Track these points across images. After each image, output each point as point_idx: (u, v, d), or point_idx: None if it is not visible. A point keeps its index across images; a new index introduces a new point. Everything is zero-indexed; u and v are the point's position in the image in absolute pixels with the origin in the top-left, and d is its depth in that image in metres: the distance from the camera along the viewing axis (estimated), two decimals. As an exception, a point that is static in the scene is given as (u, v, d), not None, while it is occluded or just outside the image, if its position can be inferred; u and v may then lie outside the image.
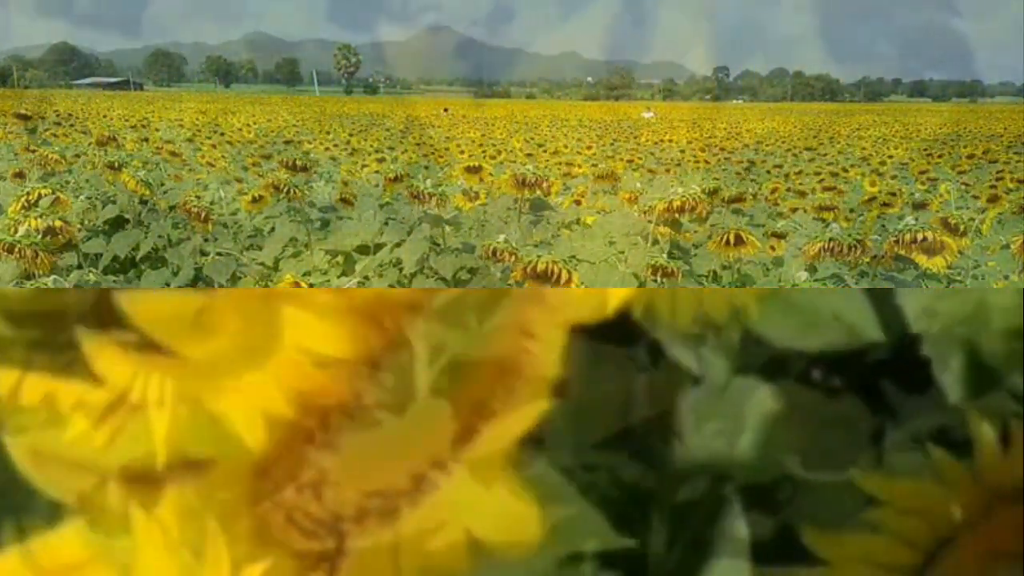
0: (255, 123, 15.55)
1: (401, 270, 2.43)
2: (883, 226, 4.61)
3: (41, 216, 1.92)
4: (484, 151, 9.63)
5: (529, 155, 8.71)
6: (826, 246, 1.73)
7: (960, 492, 0.66)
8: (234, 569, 0.67)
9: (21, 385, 0.74)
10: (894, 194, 5.61)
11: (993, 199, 5.10)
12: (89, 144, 4.55)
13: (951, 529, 0.66)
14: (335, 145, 10.11)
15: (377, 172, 5.98)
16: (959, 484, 0.66)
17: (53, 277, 1.62)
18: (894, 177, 7.85)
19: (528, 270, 1.49)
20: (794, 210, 4.66)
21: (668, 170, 8.43)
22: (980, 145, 12.27)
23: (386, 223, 2.68)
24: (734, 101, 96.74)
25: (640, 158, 9.39)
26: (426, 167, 7.61)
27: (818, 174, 7.30)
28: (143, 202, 2.83)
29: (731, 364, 0.90)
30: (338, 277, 2.53)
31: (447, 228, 2.33)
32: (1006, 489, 0.66)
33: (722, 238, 2.03)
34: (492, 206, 3.37)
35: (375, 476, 0.77)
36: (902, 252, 1.75)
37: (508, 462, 0.77)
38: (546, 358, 0.78)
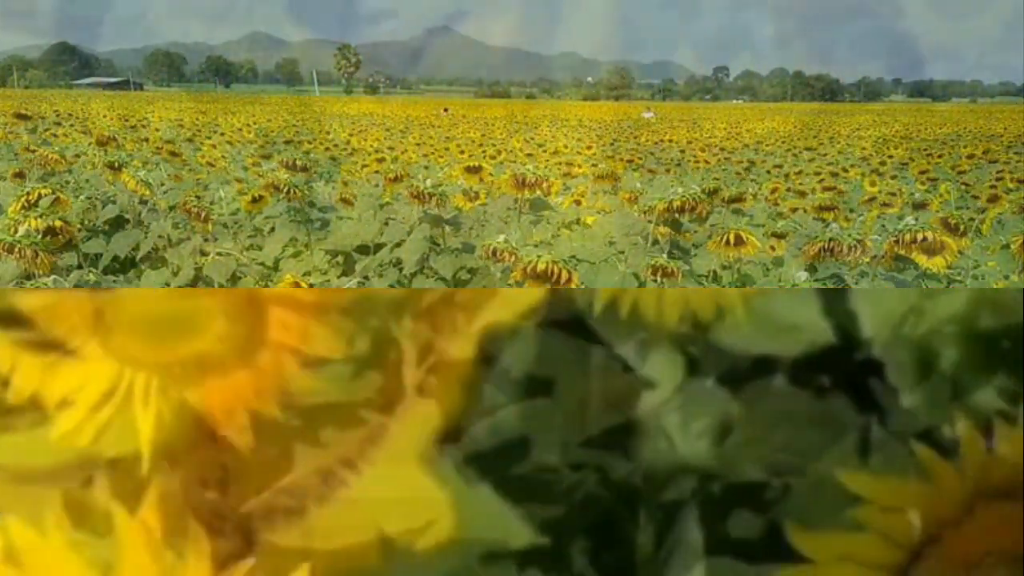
0: (255, 123, 15.55)
1: (401, 270, 2.43)
2: (883, 226, 4.61)
3: (41, 216, 1.92)
4: (484, 151, 9.63)
5: (529, 155, 8.70)
6: (826, 246, 1.74)
7: (944, 490, 0.66)
8: (217, 568, 0.67)
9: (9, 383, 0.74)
10: (894, 194, 5.62)
11: (993, 199, 5.10)
12: (89, 144, 4.55)
13: (936, 527, 0.67)
14: (335, 145, 10.11)
15: (377, 172, 5.98)
16: (943, 482, 0.66)
17: (53, 277, 1.62)
18: (894, 177, 7.85)
19: (528, 270, 1.49)
20: (794, 210, 4.66)
21: (668, 170, 8.43)
22: (980, 145, 12.26)
23: (386, 223, 2.68)
24: (734, 101, 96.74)
25: (640, 158, 9.39)
26: (426, 167, 7.61)
27: (818, 174, 7.30)
28: (143, 202, 2.83)
29: (685, 368, 0.90)
30: (338, 277, 2.53)
31: (447, 228, 2.33)
32: (990, 487, 0.66)
33: (722, 238, 2.03)
34: (492, 206, 3.37)
35: (283, 474, 0.77)
36: (902, 252, 1.75)
37: (421, 459, 0.78)
38: (459, 357, 0.79)
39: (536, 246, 2.25)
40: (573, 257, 2.08)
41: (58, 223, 1.92)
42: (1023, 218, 4.83)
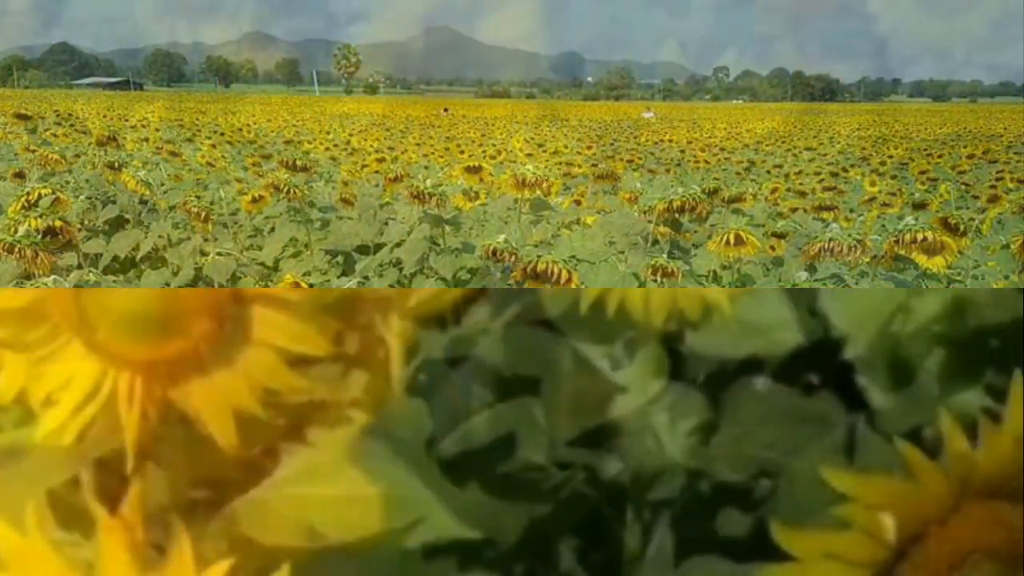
0: (255, 123, 15.55)
1: (401, 270, 2.43)
2: (883, 226, 4.61)
3: (41, 216, 1.92)
4: (484, 151, 9.63)
5: (529, 155, 8.70)
6: (826, 246, 1.74)
7: (929, 488, 0.66)
8: (199, 567, 0.67)
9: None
10: (894, 194, 5.62)
11: (993, 199, 5.09)
12: (89, 144, 4.55)
13: (920, 525, 0.67)
14: (335, 145, 10.11)
15: (377, 172, 5.98)
16: (928, 480, 0.66)
17: (53, 277, 1.62)
18: (894, 177, 7.85)
19: (528, 270, 1.49)
20: (794, 210, 4.66)
21: (668, 170, 8.43)
22: (980, 145, 12.26)
23: (386, 223, 2.68)
24: (734, 101, 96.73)
25: (640, 158, 9.39)
26: (426, 167, 7.61)
27: (818, 174, 7.30)
28: (143, 202, 2.83)
29: (671, 368, 0.90)
30: (338, 277, 2.53)
31: (447, 228, 2.33)
32: (975, 485, 0.67)
33: (722, 238, 2.03)
34: (492, 206, 3.38)
35: (268, 473, 0.77)
36: (902, 252, 1.75)
37: (350, 454, 0.78)
38: (392, 355, 0.80)
39: (536, 246, 2.25)
40: (573, 257, 2.08)
41: (58, 223, 1.92)
42: (1023, 218, 4.83)
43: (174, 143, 7.25)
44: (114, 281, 2.30)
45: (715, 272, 2.54)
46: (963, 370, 0.87)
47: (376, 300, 0.82)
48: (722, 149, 11.71)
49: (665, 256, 1.84)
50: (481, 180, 2.82)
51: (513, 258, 1.71)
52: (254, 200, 2.79)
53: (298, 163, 2.81)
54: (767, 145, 12.94)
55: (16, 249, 1.70)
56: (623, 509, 0.92)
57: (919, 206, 4.55)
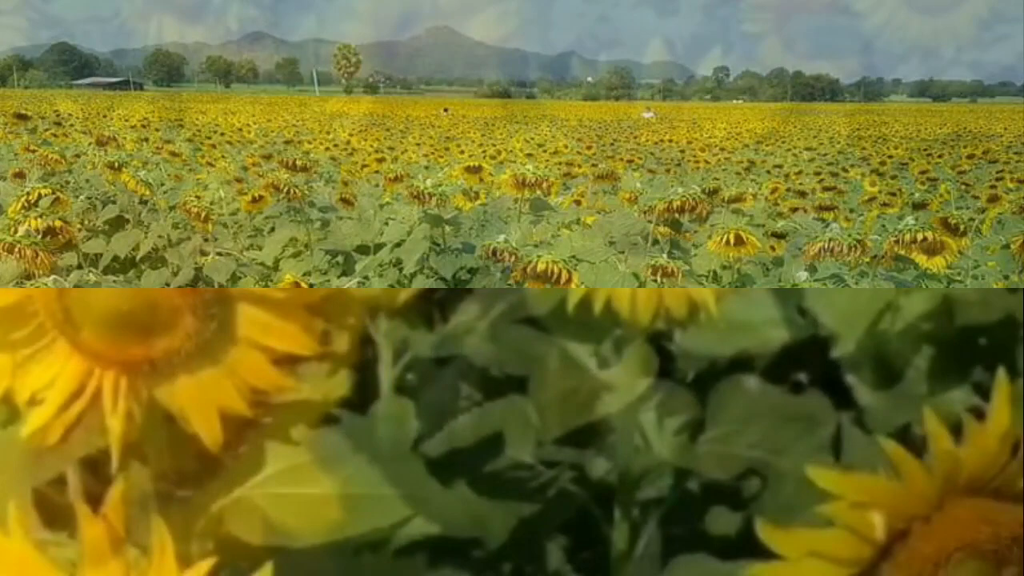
0: (255, 123, 15.54)
1: (401, 270, 2.43)
2: (883, 226, 4.61)
3: (41, 216, 1.92)
4: (484, 151, 9.63)
5: (529, 155, 8.70)
6: (826, 246, 1.73)
7: (914, 486, 0.66)
8: (182, 565, 0.67)
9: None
10: (894, 194, 5.62)
11: (993, 199, 5.09)
12: (89, 144, 4.55)
13: (904, 523, 0.67)
14: (335, 145, 10.10)
15: (377, 172, 5.98)
16: (912, 478, 0.66)
17: (53, 277, 1.62)
18: (894, 177, 7.85)
19: (528, 270, 1.49)
20: (794, 210, 4.66)
21: (668, 170, 8.43)
22: (980, 145, 12.26)
23: (386, 223, 2.68)
24: (734, 101, 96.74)
25: (640, 158, 9.38)
26: (426, 167, 7.61)
27: (818, 174, 7.29)
28: (143, 202, 2.83)
29: (659, 366, 0.90)
30: (338, 277, 2.53)
31: (447, 228, 2.33)
32: (960, 483, 0.67)
33: (722, 238, 2.03)
34: (492, 206, 3.37)
35: (254, 472, 0.77)
36: (902, 252, 1.75)
37: (336, 454, 0.78)
38: (379, 355, 0.80)
39: (536, 246, 2.25)
40: (573, 257, 2.07)
41: (58, 223, 1.92)
42: (1023, 218, 4.83)
43: (174, 143, 7.24)
44: (114, 281, 2.30)
45: (715, 272, 2.54)
46: (951, 368, 0.88)
47: (363, 300, 0.82)
48: (722, 149, 11.70)
49: (665, 256, 1.84)
50: (481, 180, 2.82)
51: (513, 258, 1.71)
52: (254, 200, 2.79)
53: (298, 163, 2.81)
54: (767, 145, 12.93)
55: (16, 249, 1.70)
56: (611, 508, 0.92)
57: (919, 206, 4.55)
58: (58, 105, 18.33)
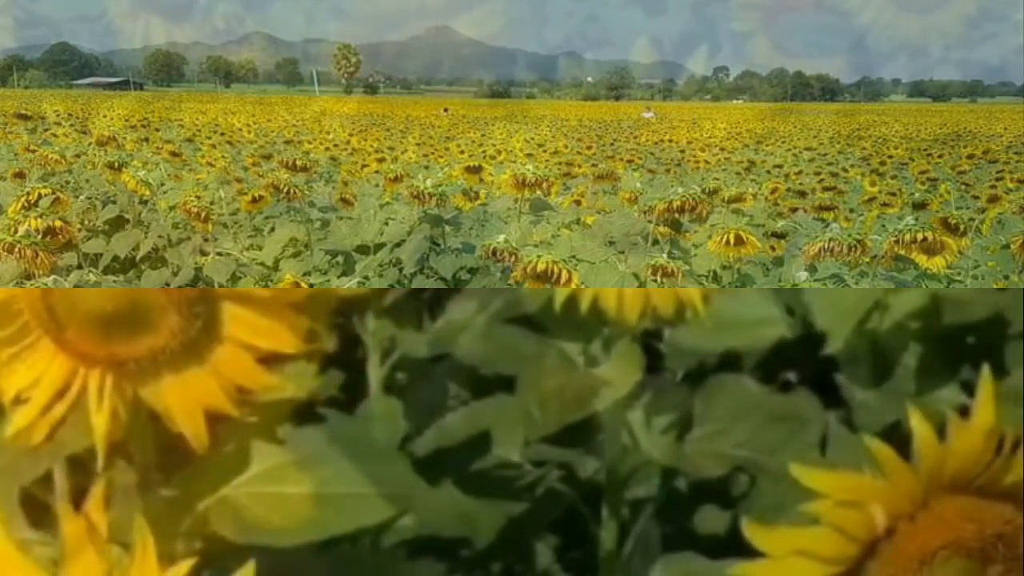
0: (255, 123, 15.54)
1: (401, 270, 2.43)
2: (883, 226, 4.60)
3: (41, 216, 1.92)
4: (484, 151, 9.63)
5: (529, 155, 8.70)
6: (826, 246, 1.73)
7: (898, 484, 0.66)
8: (164, 564, 0.67)
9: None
10: (894, 194, 5.62)
11: (993, 199, 5.09)
12: (89, 144, 4.55)
13: (890, 521, 0.67)
14: (335, 145, 10.10)
15: (377, 172, 5.98)
16: (897, 476, 0.66)
17: (53, 277, 1.62)
18: (894, 177, 7.85)
19: (528, 270, 1.49)
20: (794, 210, 4.66)
21: (668, 170, 8.43)
22: (980, 145, 12.25)
23: (386, 223, 2.68)
24: (734, 101, 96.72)
25: (640, 158, 9.38)
26: (426, 167, 7.61)
27: (818, 174, 7.29)
28: (143, 202, 2.83)
29: (647, 365, 0.91)
30: (338, 277, 2.53)
31: (447, 228, 2.33)
32: (945, 480, 0.67)
33: (722, 238, 2.03)
34: (492, 206, 3.37)
35: (239, 471, 0.77)
36: (902, 252, 1.74)
37: (323, 453, 0.78)
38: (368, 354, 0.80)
39: (536, 246, 2.25)
40: (573, 257, 2.07)
41: (58, 223, 1.92)
42: (1023, 218, 4.83)
43: (174, 143, 7.23)
44: (114, 281, 2.30)
45: (715, 272, 2.54)
46: (940, 366, 0.88)
47: (351, 299, 0.82)
48: (722, 149, 11.70)
49: (665, 256, 1.84)
50: (481, 180, 2.82)
51: (513, 258, 1.71)
52: (254, 200, 2.79)
53: (298, 163, 2.81)
54: (767, 145, 12.93)
55: (16, 249, 1.70)
56: (599, 506, 0.92)
57: (919, 206, 4.55)
58: (58, 105, 18.32)
